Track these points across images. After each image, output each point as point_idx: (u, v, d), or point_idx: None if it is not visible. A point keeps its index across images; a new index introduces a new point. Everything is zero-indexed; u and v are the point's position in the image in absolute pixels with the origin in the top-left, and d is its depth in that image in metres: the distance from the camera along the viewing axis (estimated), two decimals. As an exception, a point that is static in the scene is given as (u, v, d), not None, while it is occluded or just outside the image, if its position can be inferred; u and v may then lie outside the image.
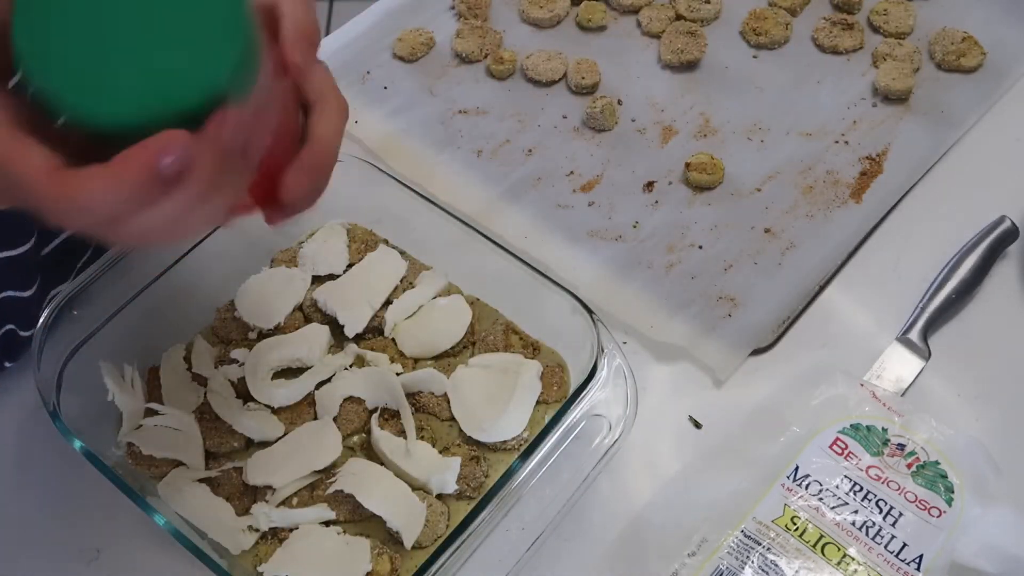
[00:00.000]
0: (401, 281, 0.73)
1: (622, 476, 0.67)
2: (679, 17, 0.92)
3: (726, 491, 0.63)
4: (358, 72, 0.90)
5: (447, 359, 0.70)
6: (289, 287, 0.73)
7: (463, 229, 0.69)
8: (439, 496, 0.64)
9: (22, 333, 0.72)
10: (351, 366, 0.69)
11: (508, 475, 0.59)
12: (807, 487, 0.63)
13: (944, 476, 0.64)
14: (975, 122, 0.85)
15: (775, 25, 0.91)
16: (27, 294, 0.70)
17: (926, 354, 0.72)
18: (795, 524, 0.61)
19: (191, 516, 0.62)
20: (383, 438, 0.65)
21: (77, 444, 0.60)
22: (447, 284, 0.73)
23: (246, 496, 0.64)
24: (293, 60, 0.47)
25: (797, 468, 0.64)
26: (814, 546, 0.60)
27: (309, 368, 0.69)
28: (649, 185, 0.82)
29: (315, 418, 0.67)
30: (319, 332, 0.70)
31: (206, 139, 0.40)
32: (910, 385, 0.70)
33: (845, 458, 0.64)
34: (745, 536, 0.61)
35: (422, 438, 0.66)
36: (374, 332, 0.71)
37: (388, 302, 0.72)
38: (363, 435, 0.67)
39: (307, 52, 0.48)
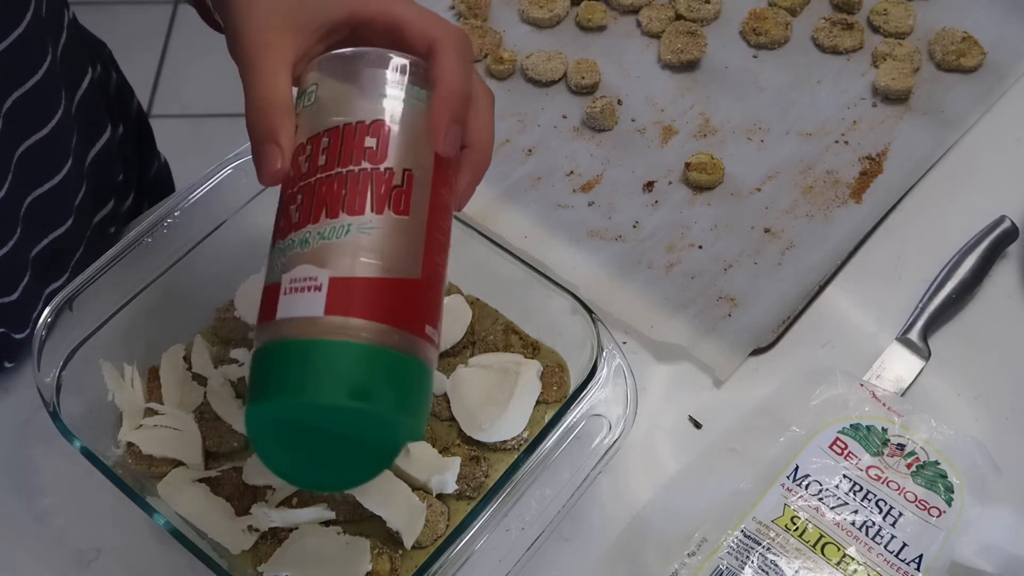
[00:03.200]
0: (401, 281, 0.73)
1: (622, 476, 0.67)
2: (679, 17, 0.92)
3: (726, 491, 0.63)
4: (358, 72, 0.90)
5: (447, 359, 0.70)
6: (289, 287, 0.72)
7: (463, 229, 0.69)
8: (439, 496, 0.64)
9: (16, 336, 0.71)
10: (351, 366, 0.69)
11: (508, 475, 0.59)
12: (807, 487, 0.63)
13: (944, 476, 0.64)
14: (975, 122, 0.85)
15: (775, 25, 0.91)
16: (12, 298, 0.69)
17: (926, 354, 0.72)
18: (795, 524, 0.61)
19: (191, 516, 0.62)
20: (383, 438, 0.65)
21: (77, 444, 0.60)
22: (447, 284, 0.73)
23: (246, 496, 0.64)
24: (443, 151, 0.51)
25: (797, 468, 0.64)
26: (814, 546, 0.60)
27: (309, 368, 0.69)
28: (649, 185, 0.82)
29: (315, 418, 0.67)
30: (319, 332, 0.70)
31: None
32: (910, 385, 0.70)
33: (845, 458, 0.64)
34: (745, 536, 0.61)
35: (422, 438, 0.66)
36: (374, 332, 0.71)
37: (388, 302, 0.72)
38: (363, 435, 0.67)
39: (455, 139, 0.51)
